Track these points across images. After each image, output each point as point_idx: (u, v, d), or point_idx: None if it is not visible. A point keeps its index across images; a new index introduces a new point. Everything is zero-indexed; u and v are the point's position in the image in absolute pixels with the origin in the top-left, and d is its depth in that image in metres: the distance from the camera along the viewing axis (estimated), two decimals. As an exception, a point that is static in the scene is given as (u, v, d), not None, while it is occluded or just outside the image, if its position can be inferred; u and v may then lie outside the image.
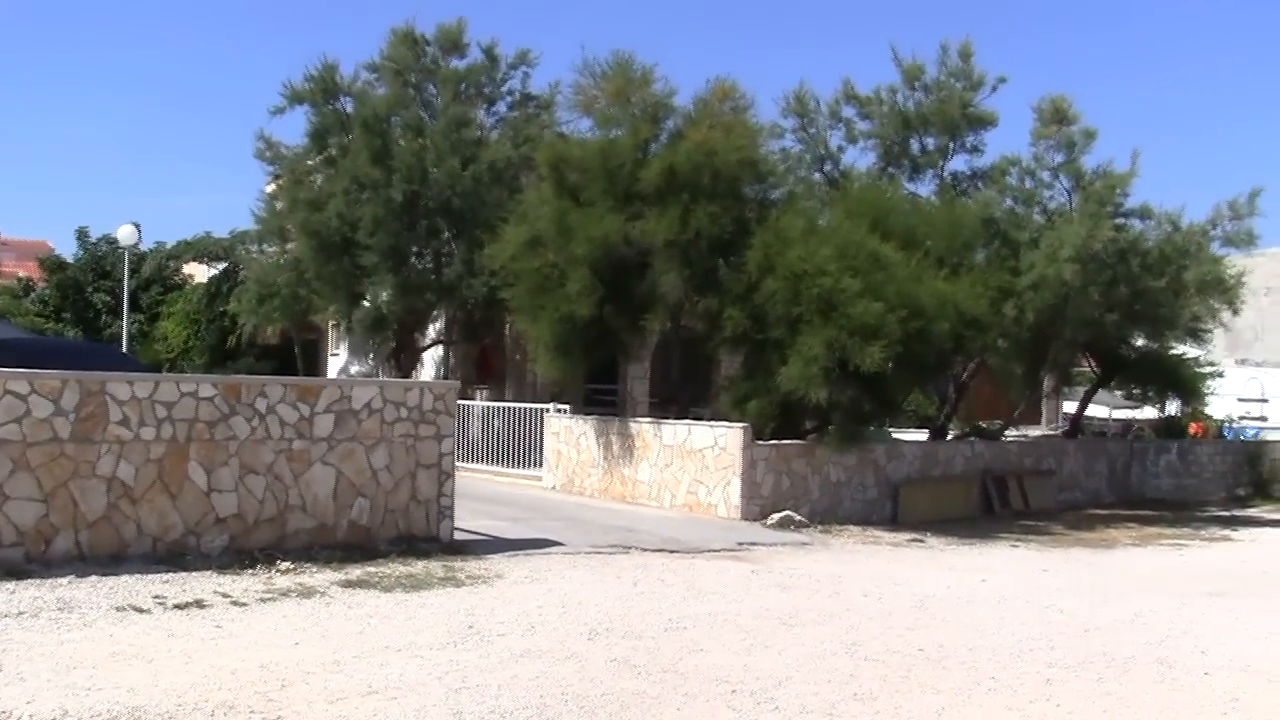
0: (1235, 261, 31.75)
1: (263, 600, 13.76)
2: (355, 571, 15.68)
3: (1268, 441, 40.32)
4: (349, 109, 34.90)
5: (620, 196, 25.41)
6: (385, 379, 30.28)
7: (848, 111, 31.35)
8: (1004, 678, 11.55)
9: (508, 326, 35.58)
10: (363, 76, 35.29)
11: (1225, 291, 30.72)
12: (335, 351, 45.38)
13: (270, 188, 37.98)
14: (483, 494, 24.87)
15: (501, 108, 36.49)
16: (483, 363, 37.91)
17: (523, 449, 29.44)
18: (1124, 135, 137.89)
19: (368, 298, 34.85)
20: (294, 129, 46.76)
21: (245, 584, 14.63)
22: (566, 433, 28.21)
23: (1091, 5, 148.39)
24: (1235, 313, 32.56)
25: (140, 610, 12.82)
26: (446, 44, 35.14)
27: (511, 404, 31.14)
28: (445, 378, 34.37)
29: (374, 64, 35.19)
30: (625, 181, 25.40)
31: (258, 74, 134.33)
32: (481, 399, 33.55)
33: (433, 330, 37.07)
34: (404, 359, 36.33)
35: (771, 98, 33.33)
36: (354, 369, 41.09)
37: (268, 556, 16.02)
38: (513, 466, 29.54)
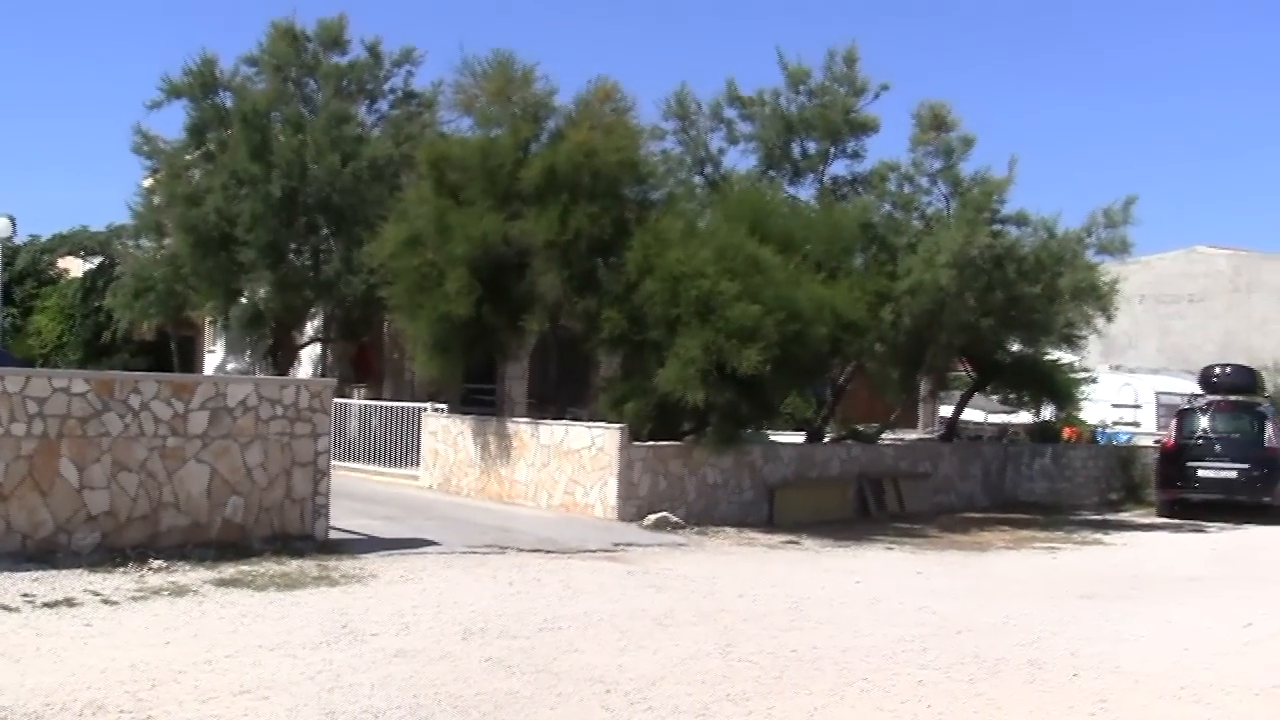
0: (1110, 269, 32.10)
1: (134, 599, 13.66)
2: (229, 570, 15.59)
3: (1140, 446, 40.79)
4: (228, 104, 34.60)
5: (500, 196, 25.38)
6: (261, 376, 30.10)
7: (730, 113, 31.39)
8: (877, 679, 11.65)
9: (386, 325, 35.44)
10: (242, 71, 35.00)
11: (1099, 298, 31.05)
12: (212, 348, 45.01)
13: (147, 182, 37.56)
14: (359, 493, 24.77)
15: (383, 105, 36.37)
16: (361, 361, 37.73)
17: (400, 448, 29.35)
18: (1002, 142, 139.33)
19: (245, 294, 34.60)
20: (172, 123, 46.54)
21: (117, 582, 14.52)
22: (444, 432, 28.15)
23: (973, 14, 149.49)
24: (1109, 319, 32.92)
25: (8, 609, 12.71)
26: (328, 40, 34.95)
27: (389, 403, 31.04)
28: (323, 376, 34.16)
29: (254, 58, 34.90)
30: (505, 181, 25.38)
31: (136, 67, 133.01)
32: (359, 397, 33.38)
33: (310, 328, 36.84)
34: (281, 357, 36.08)
35: (654, 99, 33.46)
36: (231, 366, 40.80)
37: (140, 555, 15.90)
38: (390, 465, 29.44)
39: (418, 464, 28.73)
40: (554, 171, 24.88)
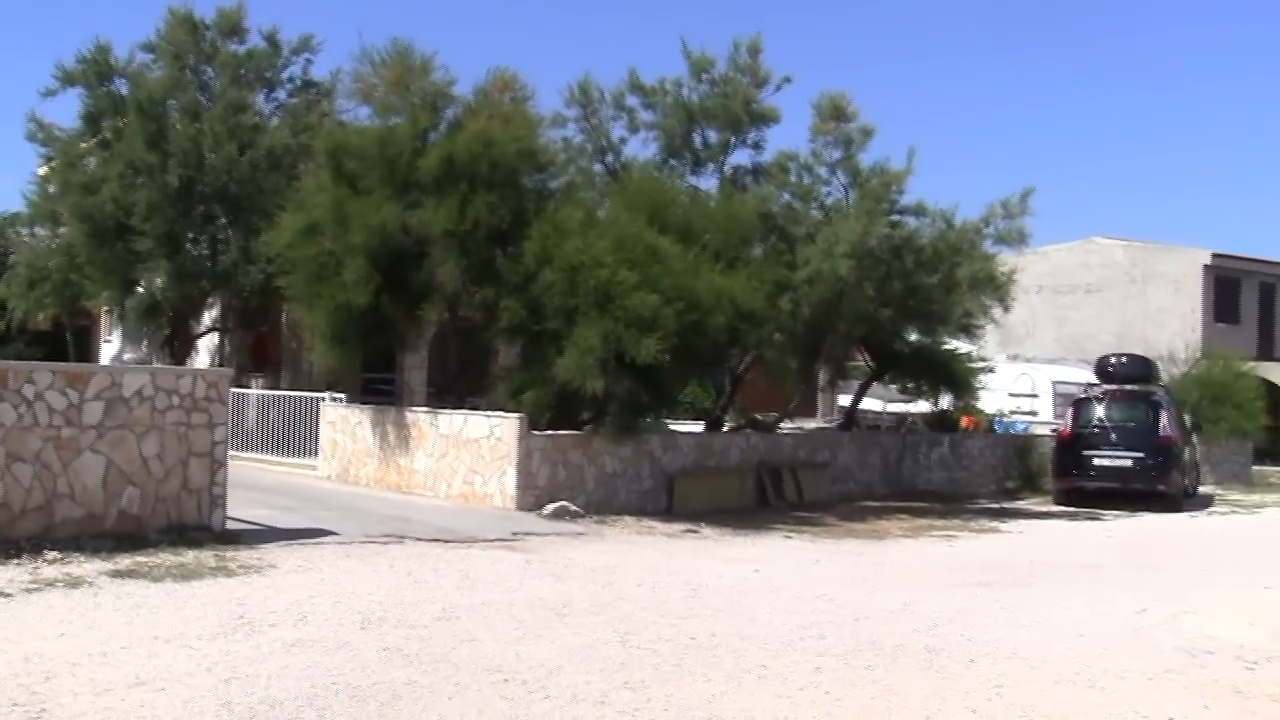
0: (1007, 259, 32.34)
1: (28, 591, 13.55)
2: (125, 561, 15.48)
3: (1037, 435, 41.05)
4: (124, 92, 34.31)
5: (398, 185, 25.27)
6: (158, 366, 29.87)
7: (632, 102, 31.36)
8: (775, 666, 11.71)
9: (284, 314, 35.27)
10: (138, 59, 34.68)
11: (997, 288, 31.27)
12: (108, 339, 44.60)
13: (42, 170, 37.23)
14: (257, 483, 24.64)
15: (281, 94, 36.14)
16: (259, 351, 37.52)
17: (298, 438, 29.20)
18: (901, 134, 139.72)
19: (142, 284, 34.28)
20: (68, 111, 46.06)
21: (10, 574, 14.39)
22: (342, 422, 28.04)
23: (875, 7, 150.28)
24: (1007, 310, 33.17)
25: (-100, 601, 12.58)
26: (226, 28, 34.70)
27: (287, 393, 30.89)
28: (220, 366, 33.97)
29: (150, 46, 34.59)
30: (404, 170, 25.27)
31: (31, 53, 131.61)
32: (257, 387, 33.22)
33: (208, 318, 36.58)
34: (178, 347, 35.81)
35: (557, 88, 33.37)
36: (127, 356, 40.44)
37: (34, 546, 15.76)
38: (288, 456, 29.28)
39: (316, 454, 28.60)
40: (452, 161, 24.80)
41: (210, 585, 14.43)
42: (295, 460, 29.00)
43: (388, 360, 35.25)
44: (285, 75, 35.93)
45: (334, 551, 17.51)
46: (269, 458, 29.60)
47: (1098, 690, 11.37)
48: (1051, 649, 13.12)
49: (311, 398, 29.29)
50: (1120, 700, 11.03)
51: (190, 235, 33.66)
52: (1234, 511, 33.81)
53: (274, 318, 36.18)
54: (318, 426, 28.64)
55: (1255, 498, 38.66)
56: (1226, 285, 60.38)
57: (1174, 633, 14.32)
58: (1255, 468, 47.50)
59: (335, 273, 25.11)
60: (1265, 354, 58.98)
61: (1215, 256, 59.51)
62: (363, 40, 36.03)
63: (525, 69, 31.90)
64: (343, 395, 28.95)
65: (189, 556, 16.11)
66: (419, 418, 26.31)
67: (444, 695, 10.17)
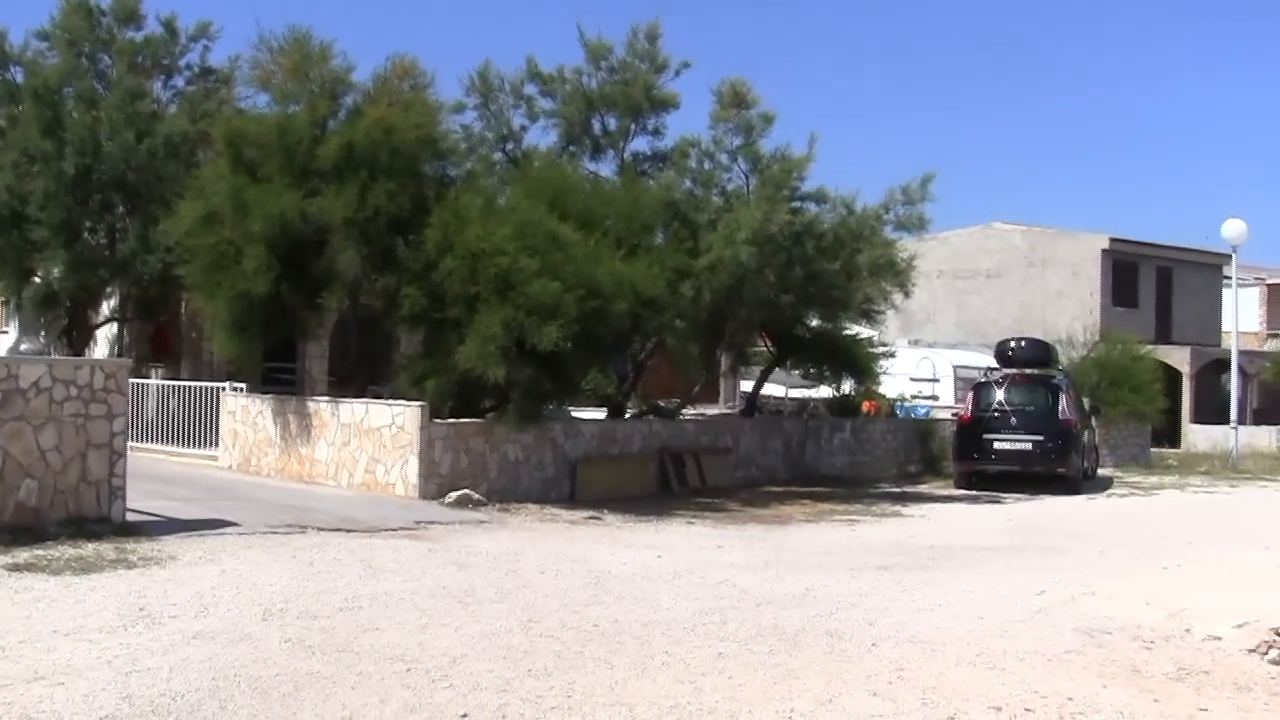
0: (908, 245, 32.50)
1: (-75, 584, 13.43)
2: (22, 555, 15.33)
3: (938, 420, 41.28)
4: (19, 79, 33.96)
5: (298, 173, 25.14)
6: (55, 357, 29.62)
7: (531, 90, 31.33)
8: (677, 652, 11.74)
9: (184, 304, 34.98)
10: (33, 46, 34.28)
11: (897, 274, 31.42)
12: (4, 329, 44.10)
13: (-65, 158, 36.78)
14: (158, 474, 24.45)
15: (179, 81, 35.77)
16: (158, 341, 37.18)
17: (199, 428, 28.97)
18: (802, 120, 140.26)
19: (38, 274, 33.91)
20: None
21: (-95, 569, 14.27)
22: (243, 412, 27.88)
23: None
24: (907, 295, 33.37)
25: None
26: (122, 14, 34.34)
27: (187, 383, 30.65)
28: (119, 356, 33.67)
29: (45, 33, 34.18)
30: (303, 158, 25.14)
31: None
32: (157, 377, 32.92)
33: (107, 307, 36.19)
34: (77, 337, 35.45)
35: (457, 75, 33.26)
36: (24, 347, 39.98)
37: (-71, 540, 15.62)
38: (189, 446, 29.04)
39: (217, 444, 28.40)
40: (352, 148, 24.70)
41: (110, 578, 14.31)
42: (196, 451, 28.78)
43: (289, 349, 35.01)
44: (183, 62, 35.59)
45: (235, 542, 17.40)
46: (169, 449, 29.35)
47: (998, 671, 11.47)
48: (952, 631, 13.22)
49: (212, 387, 29.07)
50: (1020, 681, 11.13)
51: (88, 224, 33.26)
52: (1132, 493, 34.14)
53: (173, 307, 35.86)
54: (218, 417, 28.43)
55: (1153, 479, 39.06)
56: (1124, 269, 60.93)
57: (1073, 614, 14.44)
58: (1153, 450, 48.02)
59: (235, 261, 24.95)
60: (1162, 337, 59.59)
61: (1113, 241, 60.04)
62: (261, 27, 35.92)
63: (425, 56, 31.82)
64: (243, 385, 28.77)
65: (88, 549, 15.98)
66: (320, 407, 26.21)
67: (346, 685, 10.15)
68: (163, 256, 30.18)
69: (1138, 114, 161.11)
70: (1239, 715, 10.41)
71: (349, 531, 19.16)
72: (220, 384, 29.00)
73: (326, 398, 27.36)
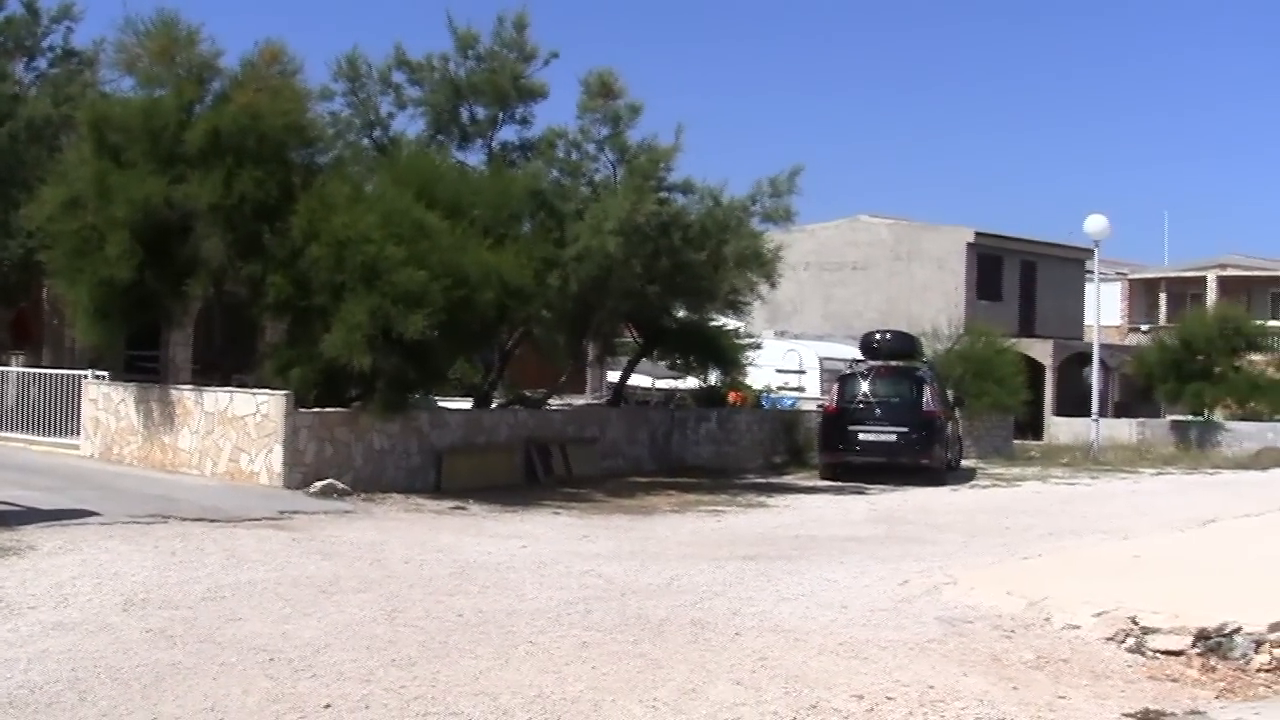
0: (774, 237, 32.66)
1: None
2: (-125, 544, 15.14)
3: (804, 411, 41.44)
4: (-126, 60, 33.46)
5: (163, 159, 24.89)
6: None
7: (398, 77, 31.16)
8: (542, 641, 11.77)
9: (45, 290, 34.56)
10: (-110, 26, 33.86)
11: (763, 265, 31.55)
12: None
13: None
14: (17, 463, 24.22)
15: (42, 64, 35.40)
16: (19, 327, 36.70)
17: (60, 417, 28.65)
18: (669, 111, 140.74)
19: (-106, 261, 33.45)
20: None
21: None
22: (105, 400, 27.57)
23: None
24: (773, 286, 33.55)
25: None
26: (-18, -5, 33.96)
27: (48, 370, 30.30)
28: (-21, 342, 33.26)
29: (-99, 14, 33.79)
30: (168, 143, 24.89)
31: None
32: (17, 365, 32.51)
33: (-35, 294, 35.77)
34: (-66, 324, 35.01)
35: (324, 61, 32.98)
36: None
37: None
38: (50, 435, 28.72)
39: (79, 433, 28.06)
40: (218, 134, 24.50)
41: (-34, 568, 14.17)
42: (57, 439, 28.46)
43: (153, 337, 34.65)
44: (46, 44, 35.20)
45: (96, 532, 17.24)
46: (30, 437, 29.02)
47: (861, 660, 11.56)
48: (816, 621, 13.31)
49: (74, 375, 28.72)
50: (882, 669, 11.22)
51: (-54, 210, 32.85)
52: (995, 485, 34.49)
53: (35, 293, 35.41)
54: (80, 405, 28.11)
55: (1016, 470, 39.45)
56: (989, 263, 61.50)
57: (935, 603, 14.58)
58: (1016, 441, 48.60)
59: (98, 247, 24.64)
60: (1026, 330, 60.21)
61: (978, 235, 60.58)
62: (127, 9, 35.42)
63: (293, 42, 31.58)
64: (106, 373, 28.44)
65: (-55, 539, 15.80)
66: (184, 395, 25.99)
67: (209, 676, 10.09)
68: (24, 242, 29.82)
69: (1001, 109, 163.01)
70: (1096, 703, 10.55)
71: (212, 521, 19.01)
72: (82, 371, 28.63)
73: (190, 386, 27.15)
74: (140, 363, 34.24)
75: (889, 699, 10.33)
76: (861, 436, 33.98)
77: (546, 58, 30.97)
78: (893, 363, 36.30)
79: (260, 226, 25.04)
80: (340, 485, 23.72)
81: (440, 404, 29.87)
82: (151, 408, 26.29)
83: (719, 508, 25.90)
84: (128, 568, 14.66)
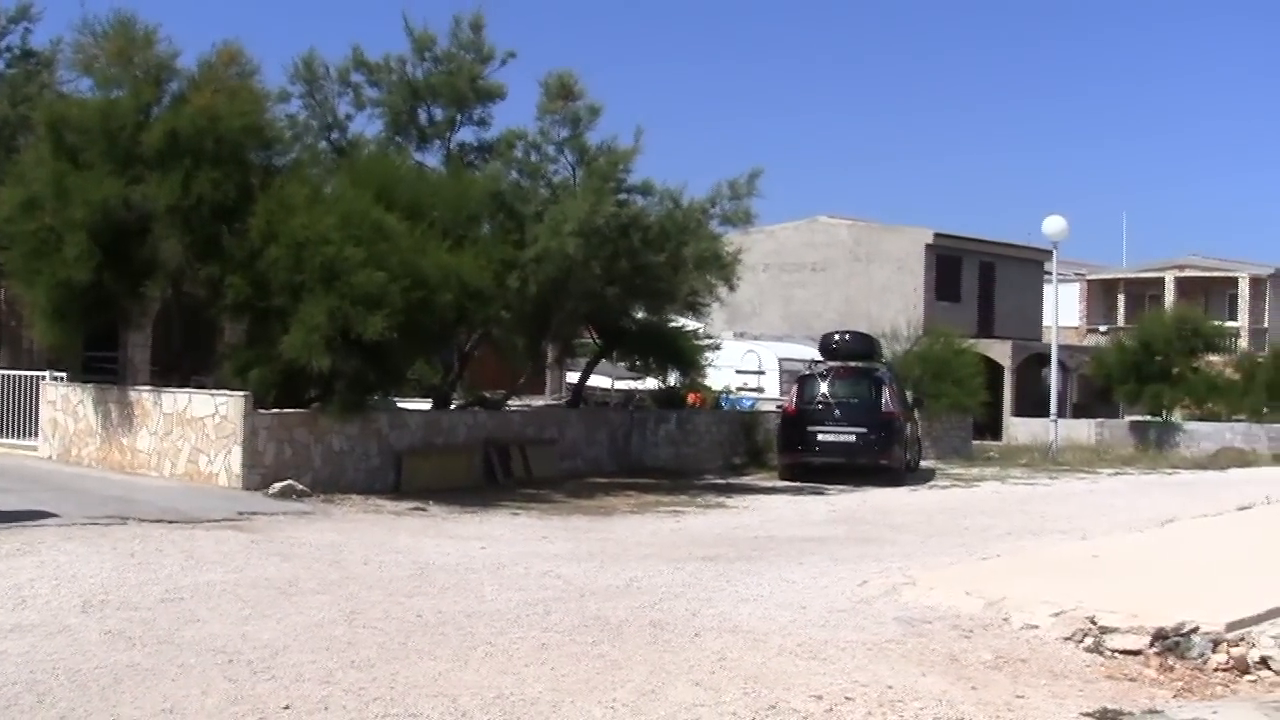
0: (734, 239, 32.73)
1: None
2: None
3: (763, 412, 41.46)
4: None
5: (121, 160, 24.85)
6: None
7: (357, 78, 31.15)
8: (500, 643, 11.77)
9: (3, 291, 34.44)
10: None
11: (723, 267, 31.63)
12: None
13: None
14: (-26, 465, 24.16)
15: (-1, 64, 35.31)
16: (-25, 329, 36.61)
17: (18, 418, 28.56)
18: (629, 113, 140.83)
19: None
20: None
21: None
22: (64, 401, 27.50)
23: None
24: (732, 288, 33.63)
25: None
26: (-61, -4, 33.84)
27: (6, 371, 30.17)
28: (-66, 344, 33.11)
29: None
30: (126, 144, 24.86)
31: None
32: (-26, 366, 32.42)
33: (-78, 295, 35.62)
34: (-111, 325, 34.84)
35: (282, 63, 32.89)
36: None
37: None
38: (7, 436, 28.62)
39: (36, 434, 28.01)
40: (176, 135, 24.47)
41: (-76, 570, 14.13)
42: (15, 441, 28.38)
43: (111, 338, 34.53)
44: (3, 44, 35.08)
45: (54, 533, 17.19)
46: (-13, 438, 28.94)
47: (819, 661, 11.58)
48: (775, 621, 13.33)
49: (31, 376, 28.64)
50: (841, 670, 11.25)
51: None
52: (954, 485, 34.55)
53: (-8, 295, 35.31)
54: (38, 406, 28.04)
55: (974, 471, 39.52)
56: (948, 264, 61.70)
57: (894, 604, 14.60)
58: (975, 442, 48.68)
59: (55, 248, 24.58)
60: (984, 331, 60.42)
61: (937, 236, 60.79)
62: (84, 10, 35.29)
63: (251, 44, 31.47)
64: (64, 374, 28.38)
65: (-100, 540, 15.75)
66: (143, 396, 25.93)
67: (168, 677, 10.08)
68: (-19, 243, 29.69)
69: (961, 111, 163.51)
70: (1054, 702, 10.60)
71: (171, 522, 18.97)
72: (40, 373, 28.55)
73: (149, 387, 27.06)
74: (99, 364, 34.09)
75: (848, 699, 10.35)
76: (820, 437, 34.00)
77: (504, 58, 31.03)
78: (852, 364, 36.35)
79: (218, 228, 25.02)
80: (299, 486, 23.68)
81: (400, 405, 29.85)
82: (110, 409, 26.23)
83: (678, 509, 25.91)
84: (86, 569, 14.62)
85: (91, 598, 12.96)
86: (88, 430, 26.74)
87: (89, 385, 27.71)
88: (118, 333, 33.87)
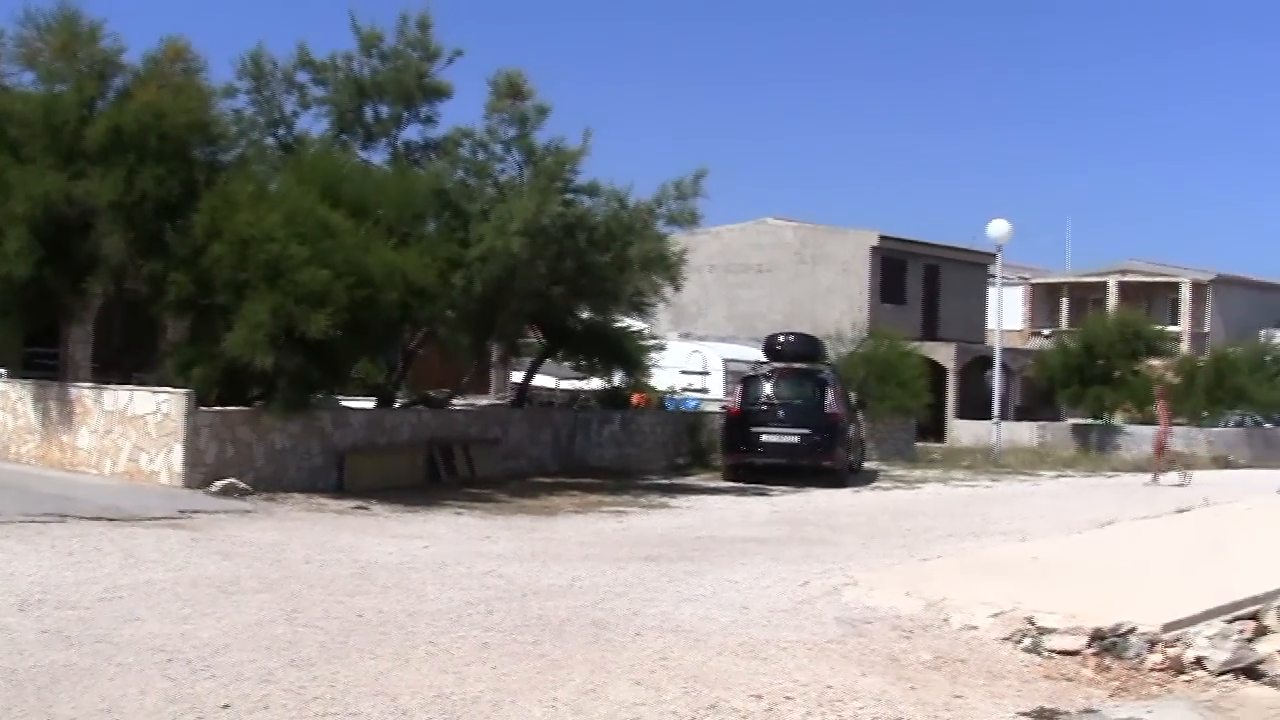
0: (679, 239, 32.79)
1: None
2: None
3: (708, 412, 41.49)
4: None
5: (63, 154, 24.71)
6: None
7: (302, 76, 31.00)
8: (442, 642, 11.76)
9: (-58, 287, 34.23)
10: None
11: (668, 268, 31.69)
12: None
13: None
14: (-91, 463, 23.99)
15: (-60, 58, 35.01)
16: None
17: (-44, 414, 28.41)
18: (577, 113, 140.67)
19: None
20: None
21: None
22: (3, 398, 27.32)
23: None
24: (678, 289, 33.69)
25: None
26: (-123, -13, 33.53)
27: (-56, 367, 30.04)
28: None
29: None
30: (69, 139, 24.72)
31: None
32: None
33: None
34: None
35: (229, 59, 32.69)
36: None
37: None
38: (-55, 432, 28.47)
39: (-26, 431, 27.84)
40: (120, 131, 24.34)
41: None
42: (-48, 437, 28.19)
43: (52, 334, 34.36)
44: (-58, 38, 34.82)
45: (-9, 531, 17.09)
46: (-76, 435, 28.71)
47: (760, 660, 11.60)
48: (716, 621, 13.35)
49: (-31, 373, 28.48)
50: (781, 670, 11.27)
51: None
52: (896, 486, 34.68)
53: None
54: (-24, 402, 27.87)
55: (918, 473, 39.69)
56: (892, 267, 61.86)
57: (835, 604, 14.64)
58: (918, 444, 48.84)
59: (-4, 243, 24.46)
60: (929, 334, 60.60)
61: (882, 239, 60.95)
62: (27, 3, 35.09)
63: (197, 39, 31.21)
64: (3, 370, 28.24)
65: None
66: (83, 393, 25.78)
67: (105, 676, 10.02)
68: (-80, 237, 29.48)
69: (907, 112, 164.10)
70: (992, 702, 10.64)
71: (111, 520, 18.88)
72: (-22, 369, 28.41)
73: (90, 384, 26.89)
74: (39, 360, 33.92)
75: (788, 699, 10.37)
76: (764, 438, 34.07)
77: (451, 56, 30.95)
78: (796, 365, 36.42)
79: (162, 224, 24.88)
80: (241, 485, 23.58)
81: (343, 404, 29.72)
82: (50, 406, 26.06)
83: (621, 509, 25.92)
84: (23, 567, 14.53)
85: (29, 596, 12.87)
86: (26, 427, 26.57)
87: (28, 382, 27.56)
88: (59, 329, 33.67)
